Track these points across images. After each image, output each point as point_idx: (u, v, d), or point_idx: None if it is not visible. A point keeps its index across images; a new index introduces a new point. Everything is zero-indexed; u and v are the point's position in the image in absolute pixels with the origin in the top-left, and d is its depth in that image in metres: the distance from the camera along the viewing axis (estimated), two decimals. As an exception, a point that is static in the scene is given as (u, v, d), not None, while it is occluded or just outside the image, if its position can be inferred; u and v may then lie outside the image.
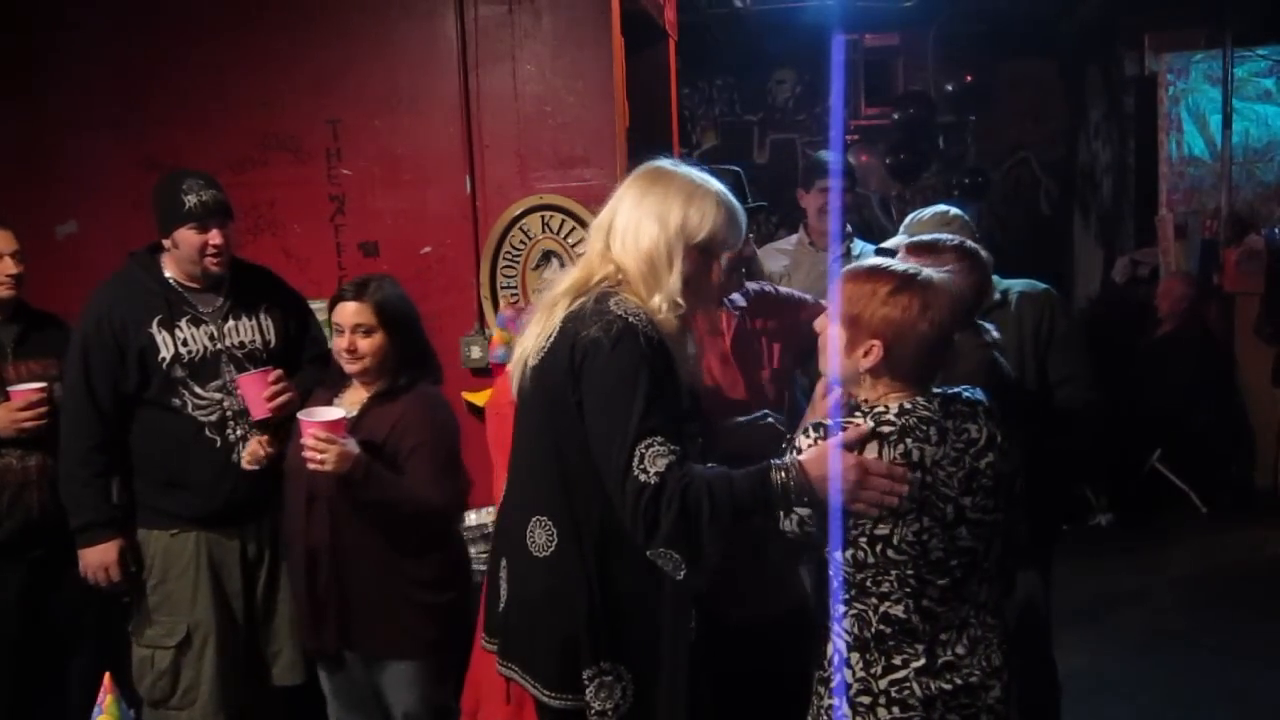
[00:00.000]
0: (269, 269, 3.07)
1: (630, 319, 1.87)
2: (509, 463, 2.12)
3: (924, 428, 1.82)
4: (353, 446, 2.47)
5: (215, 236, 2.73)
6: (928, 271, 1.89)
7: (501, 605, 2.05)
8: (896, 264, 1.92)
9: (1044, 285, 2.95)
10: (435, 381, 2.77)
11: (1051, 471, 2.71)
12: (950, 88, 7.79)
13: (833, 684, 1.91)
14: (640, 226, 1.94)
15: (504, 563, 2.06)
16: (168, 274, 2.81)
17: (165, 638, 2.80)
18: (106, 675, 2.03)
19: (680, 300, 1.92)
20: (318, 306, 3.55)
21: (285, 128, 3.59)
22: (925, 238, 2.49)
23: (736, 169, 2.57)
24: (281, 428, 2.72)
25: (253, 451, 2.74)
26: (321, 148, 3.59)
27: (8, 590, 2.93)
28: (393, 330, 2.63)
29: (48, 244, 3.52)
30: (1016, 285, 2.91)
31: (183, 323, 2.77)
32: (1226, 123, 6.55)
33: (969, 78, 7.53)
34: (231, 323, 2.84)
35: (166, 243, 2.77)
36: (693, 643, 1.95)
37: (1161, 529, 5.58)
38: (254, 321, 2.88)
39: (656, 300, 1.92)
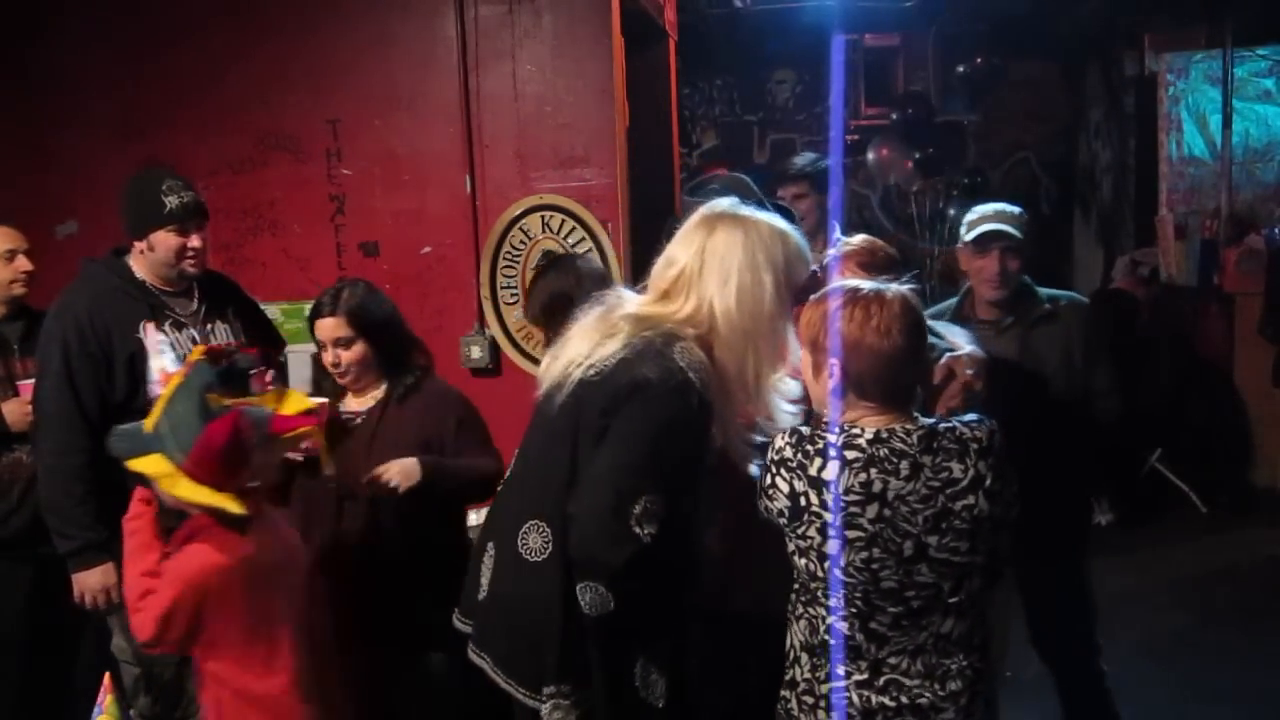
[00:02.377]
0: (224, 274, 3.05)
1: (690, 374, 1.84)
2: (517, 452, 2.12)
3: (894, 460, 1.78)
4: (401, 461, 2.47)
5: (195, 239, 2.69)
6: (880, 286, 1.86)
7: (481, 594, 2.04)
8: (851, 282, 1.90)
9: (1082, 297, 3.03)
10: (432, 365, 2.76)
11: (1081, 477, 2.88)
12: (949, 87, 7.79)
13: (785, 678, 1.94)
14: (758, 283, 1.91)
15: (490, 549, 2.04)
16: (140, 277, 2.74)
17: (167, 655, 2.72)
18: (106, 675, 2.03)
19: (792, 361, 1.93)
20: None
21: (285, 128, 3.60)
22: (852, 244, 2.55)
23: (747, 182, 2.49)
24: None
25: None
26: (321, 148, 3.60)
27: (17, 586, 2.92)
28: (370, 336, 2.61)
29: (48, 244, 3.52)
30: (1061, 296, 2.94)
31: (167, 326, 2.71)
32: (1226, 123, 6.54)
33: (968, 66, 7.51)
34: (209, 326, 2.80)
35: (140, 245, 2.70)
36: (669, 686, 1.94)
37: (1161, 529, 5.57)
38: (227, 325, 2.85)
39: (776, 374, 1.93)
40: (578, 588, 1.85)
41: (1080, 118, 8.51)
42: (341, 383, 2.67)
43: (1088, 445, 2.90)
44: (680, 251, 1.97)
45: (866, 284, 1.88)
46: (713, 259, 1.92)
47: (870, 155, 8.01)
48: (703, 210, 2.01)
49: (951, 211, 7.94)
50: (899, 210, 8.34)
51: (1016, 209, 2.93)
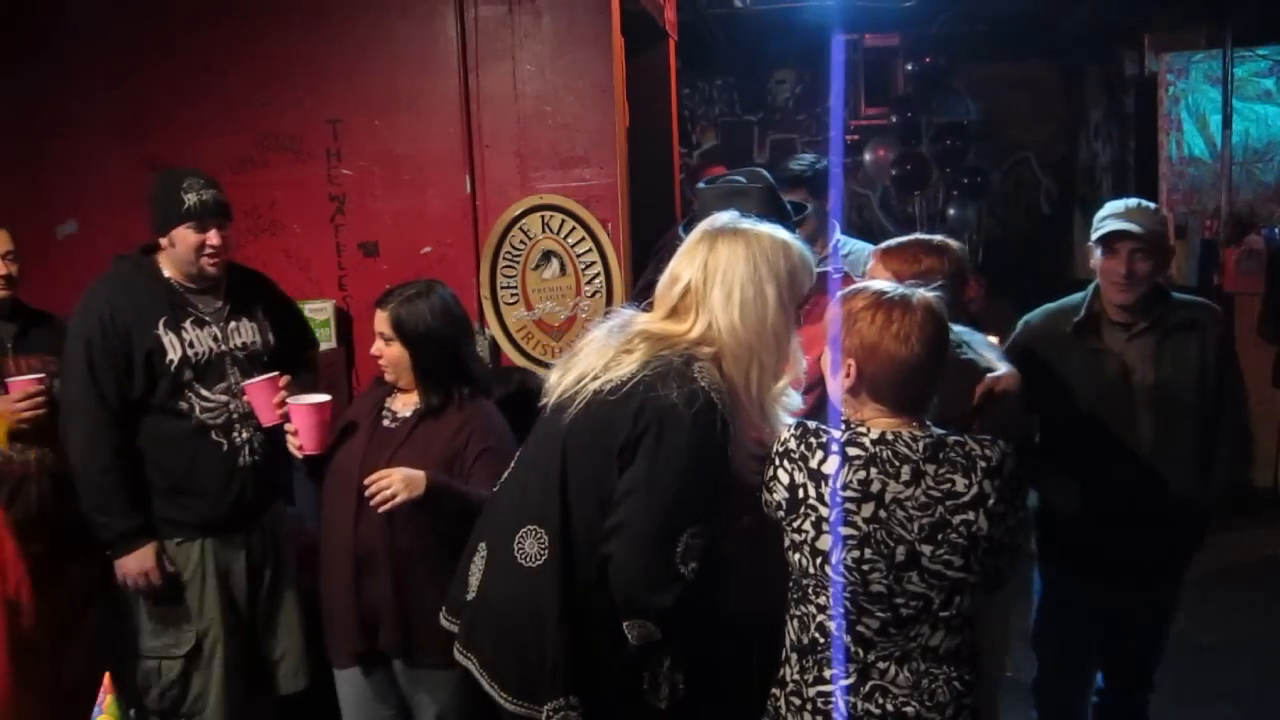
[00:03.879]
0: (261, 272, 3.06)
1: (713, 394, 1.84)
2: (519, 455, 2.12)
3: (895, 463, 1.79)
4: (407, 470, 2.41)
5: (214, 237, 2.71)
6: (907, 290, 1.86)
7: (470, 594, 2.04)
8: (878, 284, 1.90)
9: (1212, 303, 2.88)
10: (486, 395, 2.66)
11: (1208, 495, 2.74)
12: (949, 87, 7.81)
13: (777, 675, 1.94)
14: (761, 296, 1.90)
15: (482, 549, 2.05)
16: (166, 274, 2.77)
17: (174, 647, 2.78)
18: (106, 675, 2.02)
19: (802, 375, 1.94)
20: (318, 306, 3.57)
21: (285, 128, 3.60)
22: (892, 242, 2.45)
23: (767, 180, 2.43)
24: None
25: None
26: (321, 148, 3.60)
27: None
28: (409, 344, 2.56)
29: (48, 244, 3.52)
30: (1194, 301, 2.80)
31: (188, 324, 2.75)
32: (1226, 123, 6.54)
33: (917, 65, 7.52)
34: (233, 324, 2.83)
35: (163, 242, 2.74)
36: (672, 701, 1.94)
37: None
38: (253, 323, 2.87)
39: (781, 384, 1.91)
40: (624, 625, 1.87)
41: (1080, 118, 8.51)
42: (389, 377, 2.62)
43: (1215, 460, 2.75)
44: (684, 268, 1.97)
45: (893, 287, 1.88)
46: (715, 274, 1.92)
47: (868, 156, 8.03)
48: (703, 225, 2.01)
49: (952, 211, 7.95)
50: (899, 210, 8.35)
51: (1151, 205, 2.72)
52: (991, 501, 1.79)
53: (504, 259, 3.54)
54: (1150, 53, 6.93)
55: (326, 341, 3.55)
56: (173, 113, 3.61)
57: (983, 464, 1.81)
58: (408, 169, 3.57)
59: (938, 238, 2.43)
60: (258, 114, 3.60)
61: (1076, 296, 2.81)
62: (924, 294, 1.86)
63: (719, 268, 1.92)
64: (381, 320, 2.58)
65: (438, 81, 3.52)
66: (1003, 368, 2.35)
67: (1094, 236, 2.69)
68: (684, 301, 1.95)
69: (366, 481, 2.41)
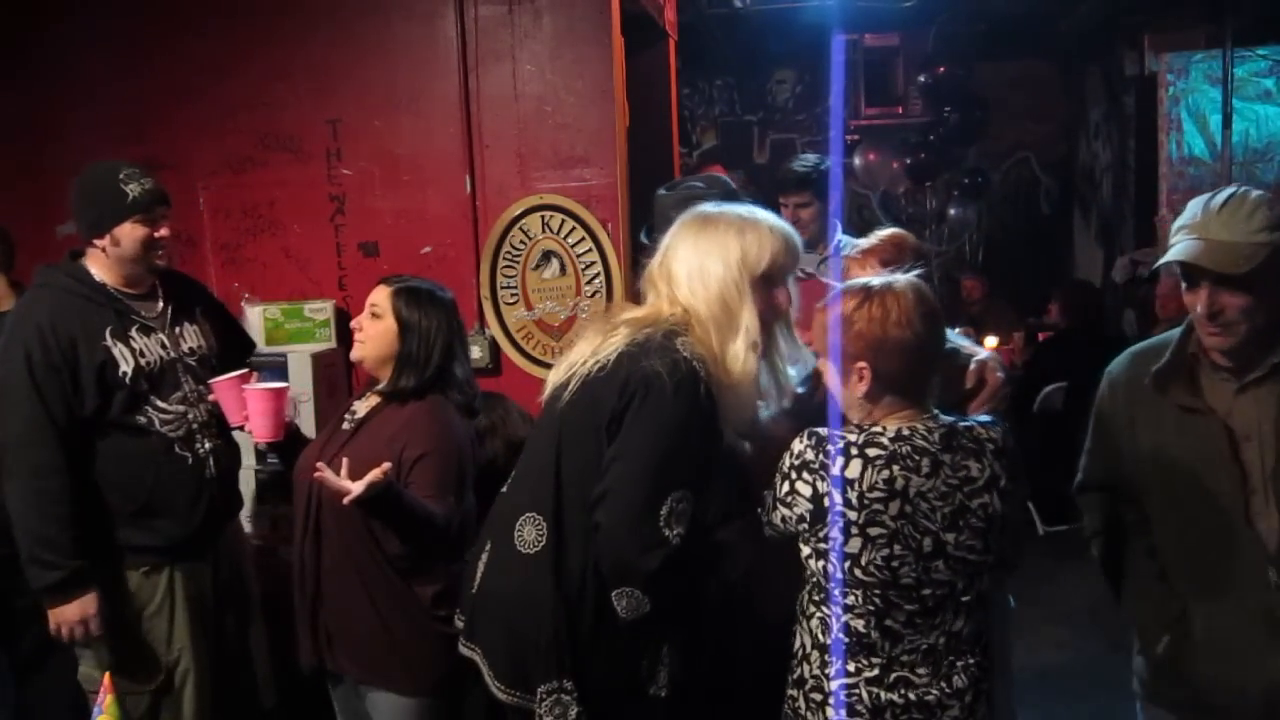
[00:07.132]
0: (183, 273, 2.98)
1: (695, 364, 1.88)
2: (523, 451, 2.13)
3: (915, 457, 1.82)
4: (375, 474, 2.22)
5: (163, 229, 2.57)
6: (889, 278, 1.89)
7: (474, 588, 2.07)
8: (857, 282, 1.93)
9: None
10: (459, 403, 2.50)
11: None
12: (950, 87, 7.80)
13: (793, 676, 1.96)
14: (705, 268, 1.95)
15: (489, 546, 2.07)
16: (100, 281, 2.58)
17: (141, 683, 2.59)
18: (106, 675, 2.03)
19: (759, 339, 1.94)
20: (318, 306, 3.57)
21: (285, 128, 3.60)
22: (865, 242, 2.48)
23: (726, 185, 2.51)
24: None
25: None
26: (321, 148, 3.59)
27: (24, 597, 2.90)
28: (402, 326, 2.45)
29: (48, 244, 3.52)
30: None
31: (134, 332, 2.57)
32: (1226, 123, 6.54)
33: (929, 76, 7.59)
34: (177, 329, 2.68)
35: (100, 243, 2.55)
36: (668, 694, 1.96)
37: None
38: (195, 326, 2.74)
39: (736, 346, 1.92)
40: (613, 594, 1.89)
41: (1080, 118, 8.51)
42: (354, 356, 2.53)
43: None
44: (659, 252, 2.07)
45: (874, 280, 1.90)
46: (674, 256, 2.01)
47: (858, 161, 8.05)
48: (686, 213, 2.08)
49: (952, 211, 7.95)
50: (899, 210, 8.35)
51: (1255, 197, 1.87)
52: (1003, 482, 1.85)
53: (504, 259, 3.54)
54: (1150, 53, 6.92)
55: (326, 341, 3.55)
56: (173, 113, 3.61)
57: (991, 446, 1.86)
58: (408, 169, 3.57)
59: (896, 229, 2.52)
60: (258, 114, 3.60)
61: (1174, 332, 2.05)
62: (905, 277, 1.91)
63: (677, 248, 2.01)
64: (381, 294, 2.48)
65: (438, 81, 3.52)
66: (982, 353, 2.37)
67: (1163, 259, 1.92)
68: (653, 280, 2.04)
69: (318, 479, 2.26)
